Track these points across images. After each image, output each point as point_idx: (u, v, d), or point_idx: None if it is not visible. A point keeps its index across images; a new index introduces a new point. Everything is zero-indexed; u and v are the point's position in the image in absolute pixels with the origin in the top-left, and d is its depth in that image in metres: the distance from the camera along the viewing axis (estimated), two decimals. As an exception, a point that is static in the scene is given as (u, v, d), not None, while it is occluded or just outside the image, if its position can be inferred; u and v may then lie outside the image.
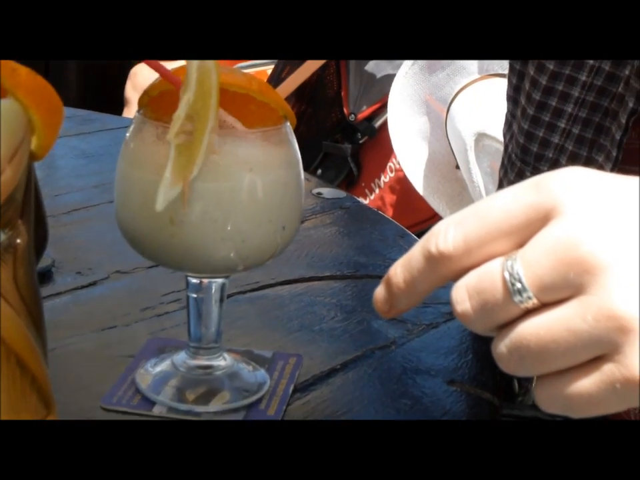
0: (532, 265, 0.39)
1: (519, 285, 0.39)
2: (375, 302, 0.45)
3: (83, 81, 2.63)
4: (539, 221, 0.40)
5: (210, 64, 0.53)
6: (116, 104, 2.38)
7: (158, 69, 0.58)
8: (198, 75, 0.53)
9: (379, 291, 0.45)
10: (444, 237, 0.42)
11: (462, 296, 0.41)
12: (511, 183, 0.89)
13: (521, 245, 0.40)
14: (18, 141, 0.44)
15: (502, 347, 0.41)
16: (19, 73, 0.45)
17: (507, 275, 0.40)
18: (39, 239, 0.54)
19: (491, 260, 0.41)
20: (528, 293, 0.39)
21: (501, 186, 0.94)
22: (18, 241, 0.45)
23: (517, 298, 0.39)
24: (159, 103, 0.60)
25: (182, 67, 0.57)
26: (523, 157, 0.86)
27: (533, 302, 0.39)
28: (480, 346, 0.74)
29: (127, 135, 0.60)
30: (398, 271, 0.44)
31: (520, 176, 0.88)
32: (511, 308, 0.40)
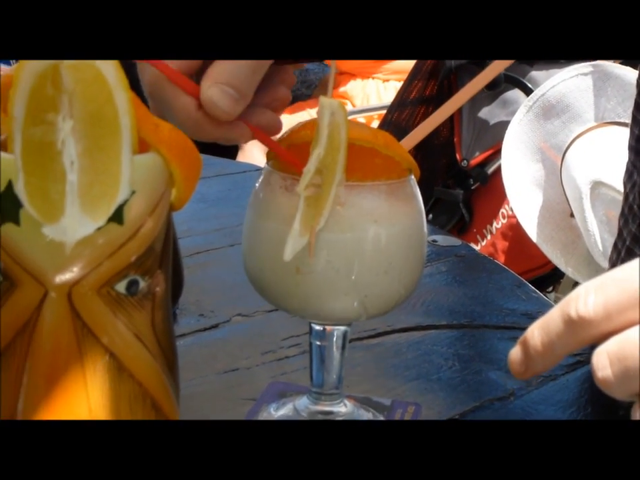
0: None
1: None
2: (510, 363, 0.45)
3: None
4: None
5: (340, 120, 0.54)
6: (229, 147, 2.43)
7: (263, 140, 0.60)
8: (329, 131, 0.54)
9: (515, 353, 0.45)
10: (584, 301, 0.42)
11: (603, 362, 0.41)
12: (632, 233, 0.88)
13: None
14: (159, 194, 0.46)
15: None
16: (161, 129, 0.47)
17: None
18: (175, 287, 0.56)
19: (631, 326, 0.41)
20: None
21: (620, 235, 0.92)
22: (157, 289, 0.47)
23: None
24: (287, 155, 0.61)
25: (312, 121, 0.59)
26: None
27: None
28: (599, 399, 0.73)
29: (256, 185, 0.62)
30: (535, 333, 0.44)
31: (641, 227, 0.87)
32: None
